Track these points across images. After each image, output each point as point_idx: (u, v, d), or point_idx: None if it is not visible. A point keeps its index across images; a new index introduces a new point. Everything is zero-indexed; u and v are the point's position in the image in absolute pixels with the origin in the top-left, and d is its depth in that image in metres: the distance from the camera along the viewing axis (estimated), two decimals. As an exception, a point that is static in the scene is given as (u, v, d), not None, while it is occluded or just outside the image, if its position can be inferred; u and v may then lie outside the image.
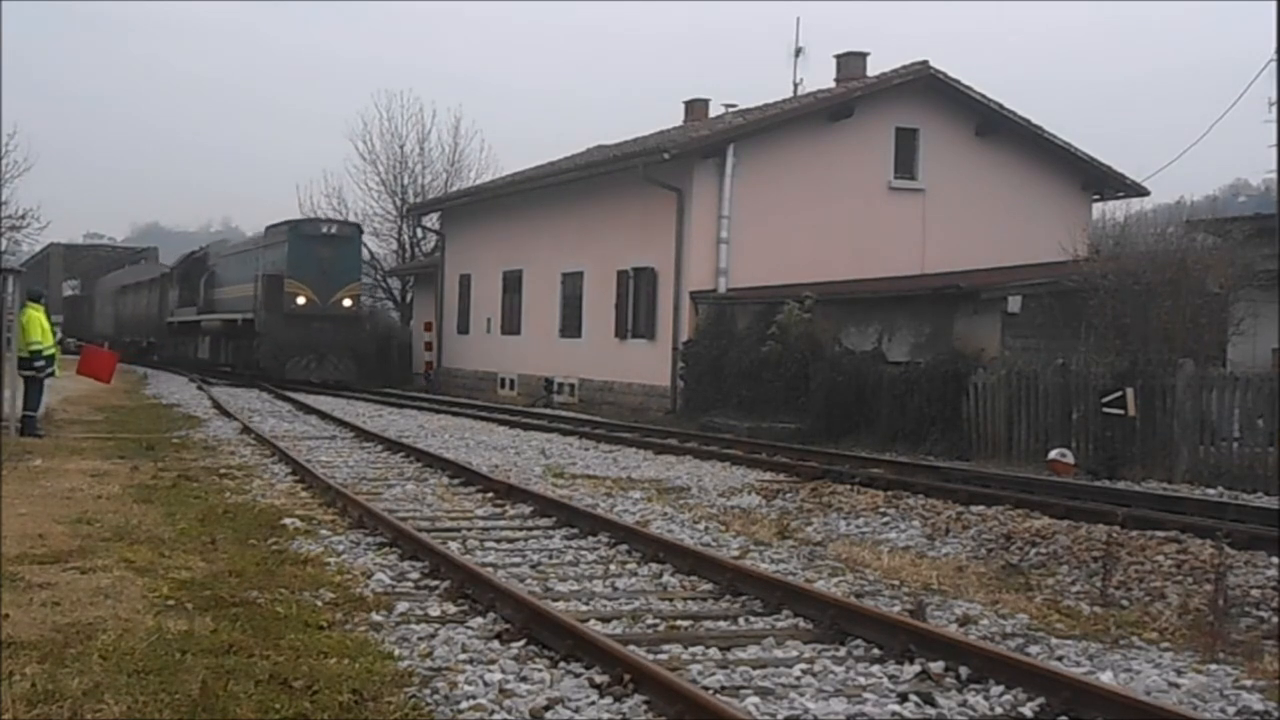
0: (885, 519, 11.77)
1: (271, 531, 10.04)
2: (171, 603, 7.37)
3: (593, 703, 5.64)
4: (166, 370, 42.30)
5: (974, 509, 11.80)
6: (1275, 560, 9.16)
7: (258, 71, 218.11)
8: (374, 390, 31.68)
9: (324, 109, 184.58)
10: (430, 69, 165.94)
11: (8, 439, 16.45)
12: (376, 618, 7.18)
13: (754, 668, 6.29)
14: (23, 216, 40.73)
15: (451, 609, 7.47)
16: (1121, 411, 15.97)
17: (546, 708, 5.56)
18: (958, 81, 26.80)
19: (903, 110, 26.87)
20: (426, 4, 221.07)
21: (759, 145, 26.03)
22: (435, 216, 41.49)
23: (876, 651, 6.60)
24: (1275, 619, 7.84)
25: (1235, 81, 78.71)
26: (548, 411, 26.27)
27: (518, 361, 32.64)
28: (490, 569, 8.45)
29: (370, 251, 42.46)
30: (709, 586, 8.24)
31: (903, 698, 5.84)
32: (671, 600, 7.97)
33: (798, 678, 6.15)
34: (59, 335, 23.35)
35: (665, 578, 8.54)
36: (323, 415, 22.78)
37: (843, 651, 6.68)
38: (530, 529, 10.61)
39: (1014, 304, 19.15)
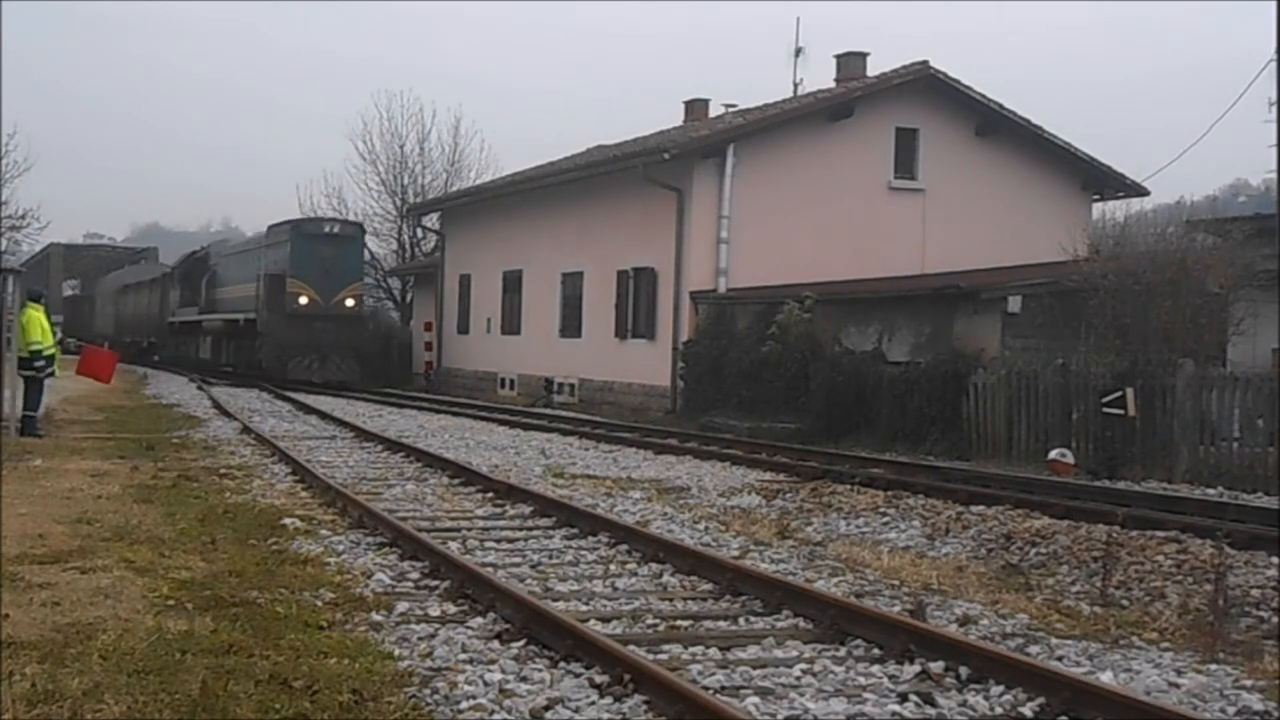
0: (885, 519, 11.77)
1: (271, 531, 10.04)
2: (171, 603, 7.37)
3: (593, 703, 5.64)
4: (166, 370, 42.28)
5: (974, 509, 11.80)
6: (1275, 560, 9.16)
7: (258, 71, 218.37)
8: (374, 390, 31.66)
9: (324, 109, 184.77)
10: (430, 69, 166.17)
11: (8, 439, 16.45)
12: (376, 618, 7.18)
13: (754, 668, 6.29)
14: (23, 216, 40.79)
15: (451, 609, 7.48)
16: (1121, 411, 15.97)
17: (546, 708, 5.56)
18: (958, 81, 26.80)
19: (903, 110, 26.87)
20: (426, 4, 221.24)
21: (759, 145, 26.03)
22: (435, 216, 41.49)
23: (876, 651, 6.60)
24: (1275, 619, 7.84)
25: (1235, 81, 78.75)
26: (548, 411, 26.27)
27: (518, 361, 32.64)
28: (490, 569, 8.45)
29: (370, 252, 42.44)
30: (709, 586, 8.24)
31: (903, 698, 5.84)
32: (671, 600, 7.97)
33: (798, 678, 6.15)
34: (59, 335, 23.35)
35: (665, 578, 8.54)
36: (323, 415, 22.78)
37: (843, 651, 6.68)
38: (530, 529, 10.61)
39: (1014, 304, 19.16)
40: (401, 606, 7.45)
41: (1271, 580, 8.71)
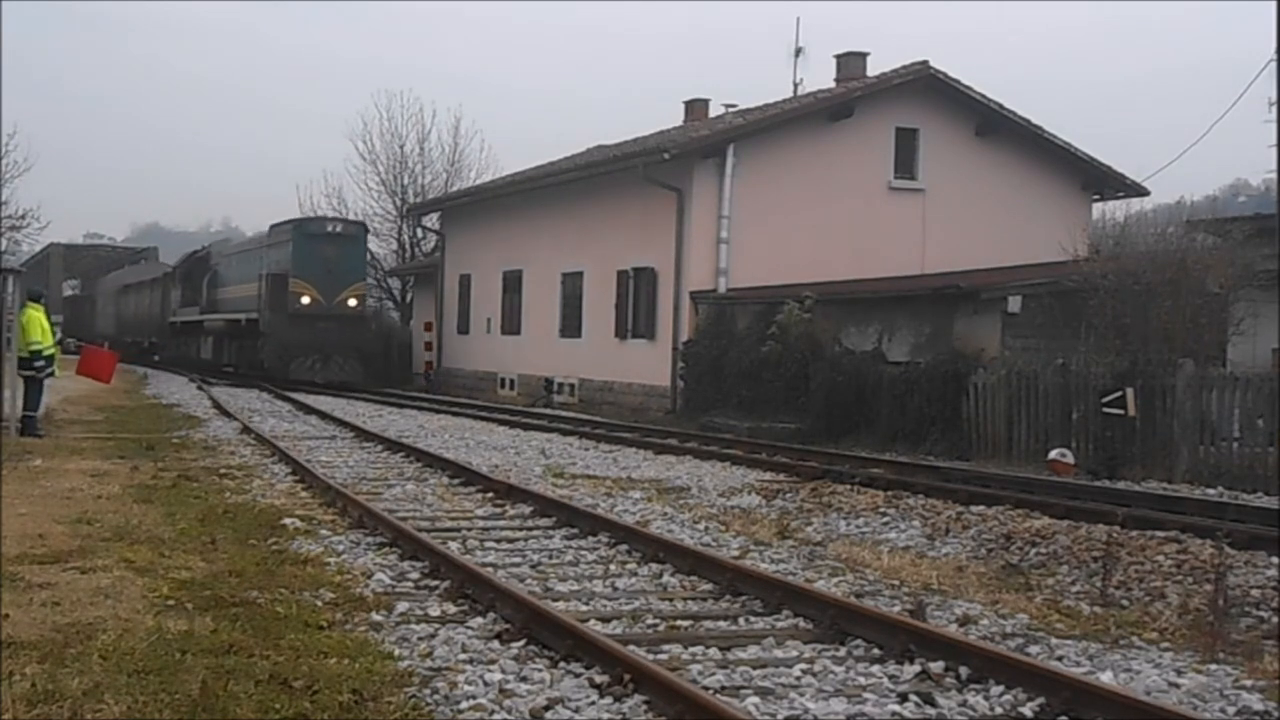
0: (885, 519, 11.77)
1: (271, 531, 10.04)
2: (171, 603, 7.37)
3: (593, 703, 5.64)
4: (167, 370, 42.27)
5: (974, 509, 11.80)
6: (1275, 560, 9.16)
7: (258, 71, 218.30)
8: (374, 390, 31.62)
9: (324, 109, 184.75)
10: (430, 69, 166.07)
11: (8, 439, 16.45)
12: (376, 618, 7.18)
13: (754, 668, 6.29)
14: (23, 216, 40.78)
15: (451, 609, 7.48)
16: (1121, 411, 15.97)
17: (546, 708, 5.56)
18: (958, 81, 26.80)
19: (903, 110, 26.87)
20: (426, 4, 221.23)
21: (759, 145, 26.04)
22: (435, 216, 41.48)
23: (876, 651, 6.60)
24: (1275, 619, 7.84)
25: (1235, 81, 78.77)
26: (548, 411, 26.27)
27: (518, 361, 32.64)
28: (490, 569, 8.45)
29: (370, 252, 42.42)
30: (709, 586, 8.24)
31: (903, 698, 5.84)
32: (671, 600, 7.97)
33: (798, 678, 6.15)
34: (59, 335, 23.35)
35: (665, 578, 8.54)
36: (323, 415, 22.78)
37: (843, 651, 6.68)
38: (530, 529, 10.61)
39: (1014, 304, 19.15)
40: (401, 606, 7.45)
41: (1271, 580, 8.71)
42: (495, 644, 6.64)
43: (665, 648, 6.67)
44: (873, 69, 28.34)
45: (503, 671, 6.08)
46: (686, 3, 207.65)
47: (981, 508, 11.83)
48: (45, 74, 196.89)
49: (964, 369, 18.52)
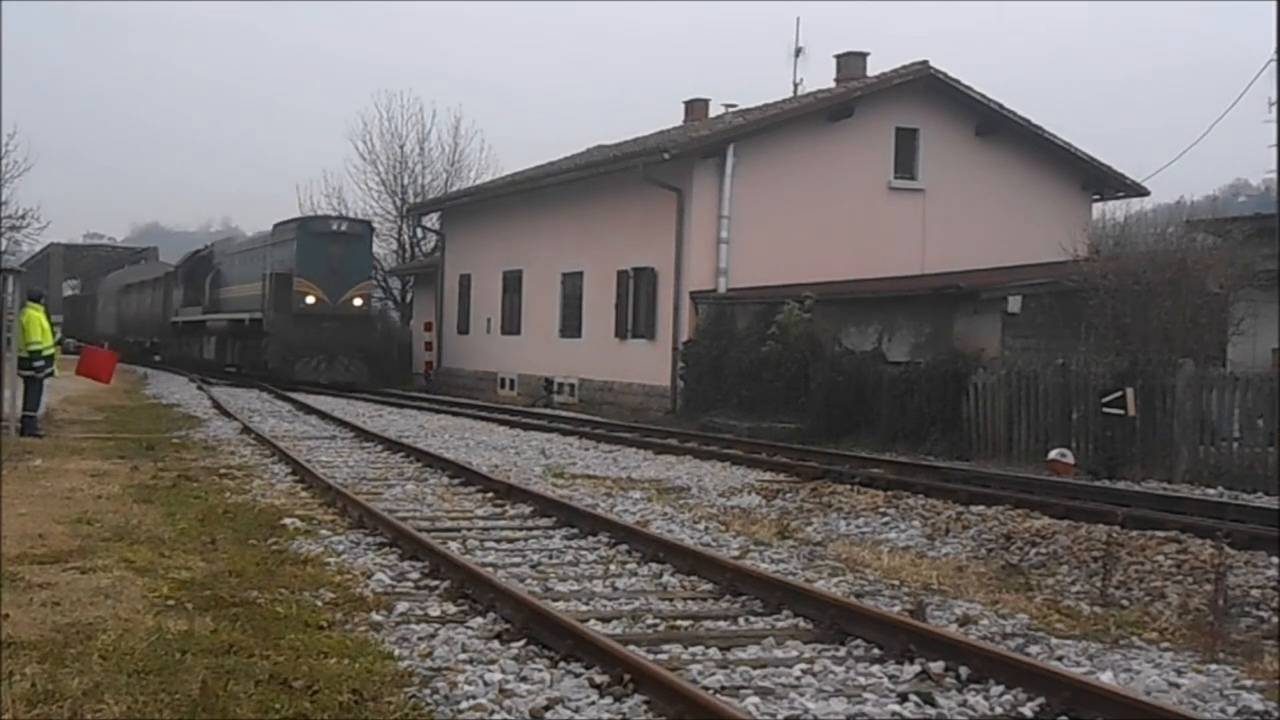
0: (885, 519, 11.77)
1: (271, 531, 10.04)
2: (171, 603, 7.37)
3: (593, 703, 5.64)
4: (167, 370, 42.27)
5: (974, 509, 11.80)
6: (1275, 560, 9.16)
7: (258, 71, 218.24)
8: (374, 390, 31.57)
9: (324, 109, 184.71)
10: (430, 69, 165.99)
11: (8, 439, 16.45)
12: (376, 618, 7.18)
13: (754, 668, 6.29)
14: (23, 216, 40.76)
15: (451, 609, 7.48)
16: (1121, 411, 15.97)
17: (546, 708, 5.56)
18: (958, 81, 26.81)
19: (903, 110, 26.88)
20: (426, 4, 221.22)
21: (759, 145, 26.04)
22: (435, 216, 41.49)
23: (876, 651, 6.60)
24: (1275, 619, 7.85)
25: (1235, 81, 78.75)
26: (548, 411, 26.27)
27: (518, 361, 32.64)
28: (490, 569, 8.45)
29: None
30: (709, 586, 8.24)
31: (903, 698, 5.84)
32: (671, 600, 7.97)
33: (798, 678, 6.15)
34: (59, 335, 23.34)
35: (665, 578, 8.54)
36: (323, 415, 22.78)
37: (843, 651, 6.68)
38: (530, 529, 10.61)
39: (1014, 304, 19.15)
40: (401, 606, 7.45)
41: (1271, 580, 8.71)
42: (495, 644, 6.64)
43: (665, 648, 6.67)
44: (873, 69, 28.37)
45: (503, 671, 6.08)
46: (686, 3, 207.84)
47: (981, 508, 11.83)
48: (45, 74, 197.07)
49: (964, 369, 18.52)
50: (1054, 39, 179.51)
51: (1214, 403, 15.92)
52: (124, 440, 17.42)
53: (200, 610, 7.17)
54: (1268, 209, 25.51)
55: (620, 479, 14.48)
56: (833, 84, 28.75)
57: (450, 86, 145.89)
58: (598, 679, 5.91)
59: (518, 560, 9.15)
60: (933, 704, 5.77)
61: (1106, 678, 6.23)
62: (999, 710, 5.71)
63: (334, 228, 35.02)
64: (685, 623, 7.31)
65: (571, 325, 30.51)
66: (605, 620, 7.28)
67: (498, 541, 9.91)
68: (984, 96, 27.07)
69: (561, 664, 6.24)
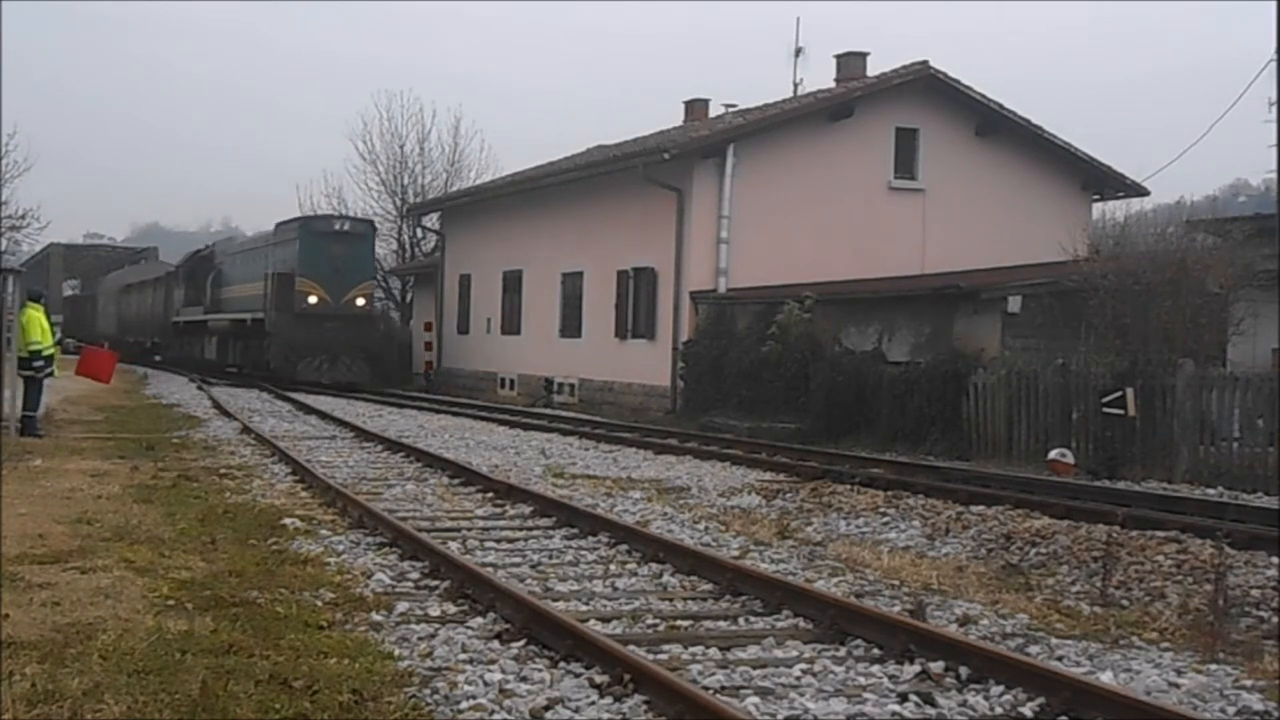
0: (885, 519, 11.77)
1: (271, 531, 10.04)
2: (171, 603, 7.37)
3: (593, 703, 5.64)
4: (167, 370, 42.25)
5: (974, 509, 11.80)
6: (1275, 560, 9.16)
7: (258, 71, 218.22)
8: (374, 390, 31.54)
9: (324, 109, 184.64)
10: (430, 69, 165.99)
11: (8, 439, 16.46)
12: (376, 618, 7.18)
13: (754, 668, 6.29)
14: (23, 216, 40.76)
15: (451, 609, 7.48)
16: (1121, 411, 15.97)
17: (546, 708, 5.56)
18: (958, 81, 26.81)
19: (903, 110, 26.88)
20: (426, 4, 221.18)
21: (759, 145, 26.04)
22: (435, 216, 41.48)
23: (876, 651, 6.60)
24: (1275, 619, 7.85)
25: (1235, 81, 78.73)
26: (548, 411, 26.27)
27: (518, 361, 32.64)
28: (490, 569, 8.45)
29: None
30: (709, 586, 8.24)
31: (903, 698, 5.84)
32: (671, 600, 7.97)
33: (798, 678, 6.15)
34: (59, 335, 23.35)
35: (665, 578, 8.54)
36: (323, 415, 22.78)
37: (843, 651, 6.68)
38: (530, 529, 10.61)
39: (1014, 304, 19.15)
40: (401, 606, 7.45)
41: (1271, 580, 8.71)
42: (495, 644, 6.64)
43: (665, 648, 6.67)
44: (873, 69, 28.37)
45: (503, 671, 6.08)
46: (686, 3, 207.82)
47: (981, 508, 11.83)
48: (45, 74, 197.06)
49: (964, 369, 18.52)
50: (1054, 39, 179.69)
51: (1214, 403, 15.92)
52: (124, 440, 17.42)
53: (200, 610, 7.18)
54: (1268, 209, 25.51)
55: (620, 479, 14.48)
56: (833, 84, 28.75)
57: (450, 86, 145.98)
58: (598, 679, 5.91)
59: (518, 560, 9.15)
60: (933, 704, 5.77)
61: (1106, 678, 6.23)
62: (999, 710, 5.71)
63: (337, 227, 34.87)
64: (685, 623, 7.31)
65: (571, 325, 30.51)
66: (605, 620, 7.28)
67: (498, 541, 9.91)
68: (984, 96, 27.07)
69: (561, 664, 6.24)
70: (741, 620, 7.44)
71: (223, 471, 14.11)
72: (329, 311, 33.02)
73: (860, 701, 5.78)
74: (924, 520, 11.56)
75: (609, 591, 8.16)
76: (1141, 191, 28.81)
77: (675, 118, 34.08)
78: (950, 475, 14.53)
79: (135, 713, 5.30)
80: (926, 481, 13.65)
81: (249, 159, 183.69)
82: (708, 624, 7.31)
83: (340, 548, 9.41)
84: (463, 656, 6.39)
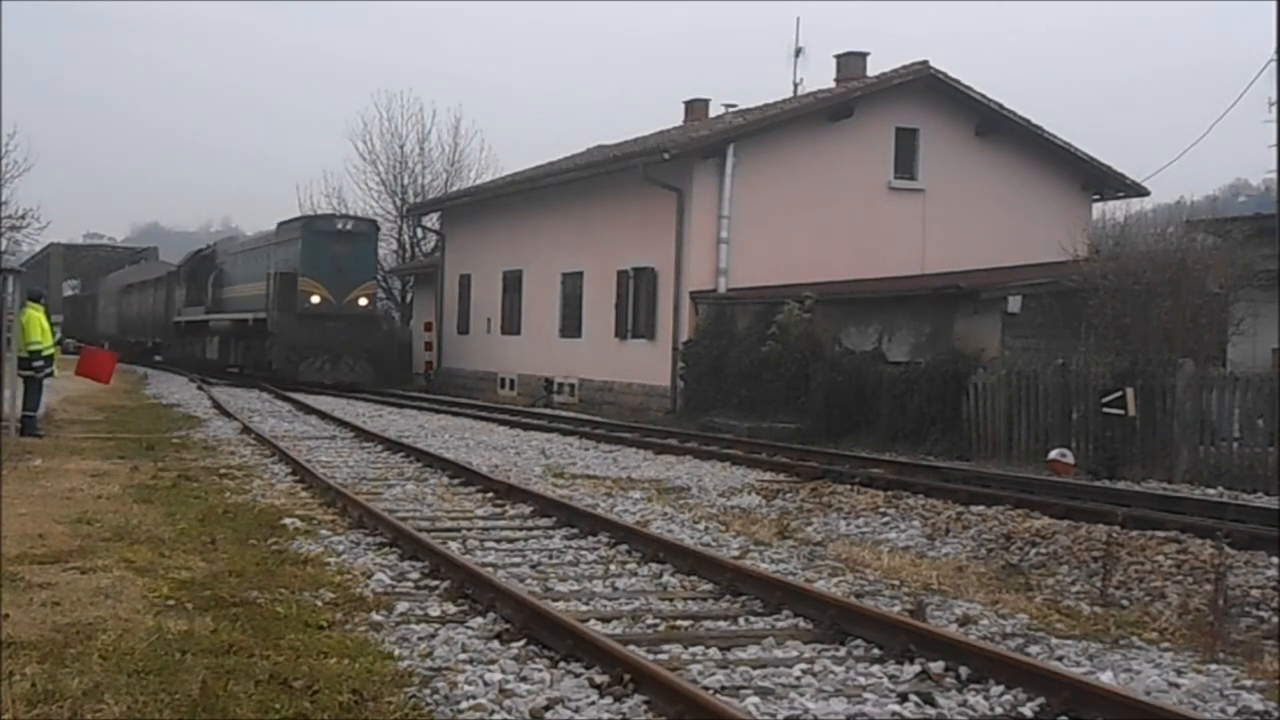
0: (885, 519, 11.77)
1: (271, 531, 10.04)
2: (171, 603, 7.37)
3: (593, 703, 5.64)
4: (167, 370, 42.24)
5: (974, 509, 11.80)
6: (1275, 560, 9.16)
7: (258, 71, 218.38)
8: (374, 390, 31.52)
9: (324, 109, 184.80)
10: (430, 69, 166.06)
11: (8, 439, 16.45)
12: (376, 618, 7.18)
13: (754, 668, 6.29)
14: (23, 216, 40.79)
15: (451, 609, 7.48)
16: (1121, 411, 15.97)
17: (546, 708, 5.56)
18: (958, 81, 26.81)
19: (903, 110, 26.88)
20: (426, 4, 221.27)
21: (759, 145, 26.04)
22: (435, 216, 41.49)
23: (876, 651, 6.60)
24: (1275, 619, 7.85)
25: (1235, 81, 78.71)
26: (548, 411, 26.26)
27: (518, 361, 32.64)
28: (490, 569, 8.45)
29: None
30: (709, 586, 8.24)
31: (903, 698, 5.84)
32: (671, 600, 7.97)
33: (798, 678, 6.15)
34: (59, 335, 23.35)
35: (665, 578, 8.54)
36: (323, 415, 22.78)
37: (843, 651, 6.68)
38: (530, 529, 10.61)
39: (1014, 304, 19.15)
40: (401, 606, 7.45)
41: (1271, 580, 8.71)
42: (495, 644, 6.64)
43: (665, 648, 6.67)
44: (873, 69, 28.37)
45: (503, 671, 6.08)
46: (686, 3, 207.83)
47: (981, 508, 11.83)
48: (45, 74, 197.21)
49: (964, 369, 18.52)
50: (1054, 39, 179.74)
51: (1214, 403, 15.92)
52: (124, 440, 17.42)
53: (200, 610, 7.17)
54: (1268, 209, 25.50)
55: (620, 479, 14.48)
56: (833, 84, 28.75)
57: (450, 86, 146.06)
58: (598, 679, 5.91)
59: (518, 560, 9.15)
60: (933, 704, 5.77)
61: (1106, 678, 6.23)
62: (999, 710, 5.71)
63: (339, 227, 34.74)
64: (685, 623, 7.31)
65: (571, 325, 30.51)
66: (605, 620, 7.28)
67: (498, 541, 9.91)
68: (984, 96, 27.07)
69: (561, 664, 6.24)
70: (741, 620, 7.44)
71: (223, 471, 14.11)
72: (332, 311, 32.93)
73: (860, 701, 5.78)
74: (924, 520, 11.55)
75: (609, 591, 8.16)
76: (1141, 191, 28.82)
77: (675, 118, 34.11)
78: (950, 475, 14.53)
79: (135, 713, 5.30)
80: (926, 481, 13.65)
81: (249, 159, 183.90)
82: (708, 624, 7.31)
83: (340, 548, 9.41)
84: (463, 656, 6.38)
